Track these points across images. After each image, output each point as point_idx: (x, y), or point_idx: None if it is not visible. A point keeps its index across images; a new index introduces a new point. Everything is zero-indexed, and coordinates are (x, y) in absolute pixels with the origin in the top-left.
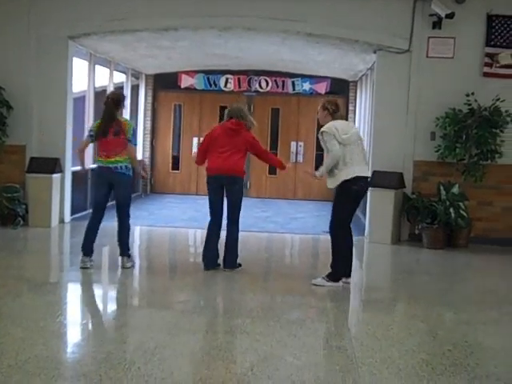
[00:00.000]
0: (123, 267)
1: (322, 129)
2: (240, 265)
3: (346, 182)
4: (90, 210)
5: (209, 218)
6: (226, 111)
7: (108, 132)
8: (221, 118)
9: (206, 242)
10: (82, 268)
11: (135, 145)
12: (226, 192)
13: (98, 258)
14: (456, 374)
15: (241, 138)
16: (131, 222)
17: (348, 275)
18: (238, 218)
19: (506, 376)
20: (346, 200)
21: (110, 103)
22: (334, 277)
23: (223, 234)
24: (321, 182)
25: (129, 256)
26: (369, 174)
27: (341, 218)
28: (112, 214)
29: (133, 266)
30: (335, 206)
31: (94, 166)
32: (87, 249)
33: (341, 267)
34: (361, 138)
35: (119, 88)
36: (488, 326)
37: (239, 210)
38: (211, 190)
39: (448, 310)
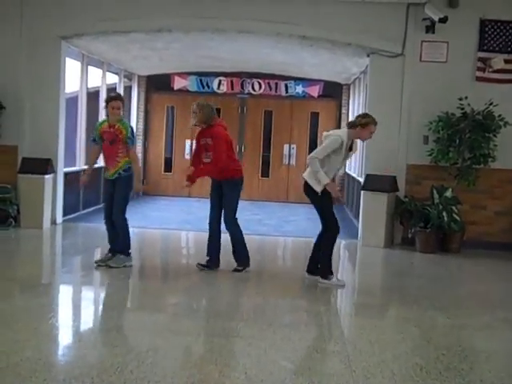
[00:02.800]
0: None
1: None
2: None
3: None
4: (83, 211)
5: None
6: (211, 109)
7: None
8: None
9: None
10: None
11: (133, 144)
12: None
13: (90, 260)
14: (450, 378)
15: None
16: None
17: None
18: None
19: (499, 381)
20: None
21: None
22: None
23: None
24: None
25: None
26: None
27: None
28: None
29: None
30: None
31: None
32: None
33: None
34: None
35: (113, 89)
36: (481, 331)
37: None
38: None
39: (441, 314)
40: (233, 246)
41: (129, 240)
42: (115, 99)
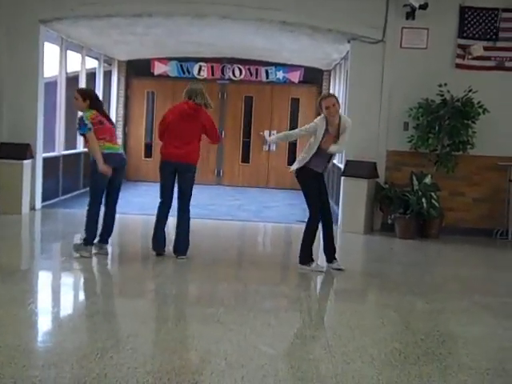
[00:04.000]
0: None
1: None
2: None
3: None
4: (63, 197)
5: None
6: (185, 91)
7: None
8: None
9: (156, 226)
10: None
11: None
12: (178, 178)
13: (70, 246)
14: (428, 363)
15: (198, 122)
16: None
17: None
18: (189, 206)
19: (477, 365)
20: None
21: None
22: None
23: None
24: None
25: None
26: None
27: None
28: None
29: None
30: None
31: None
32: None
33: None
34: None
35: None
36: (459, 316)
37: (191, 197)
38: (165, 175)
39: (420, 299)
40: (182, 236)
41: (89, 229)
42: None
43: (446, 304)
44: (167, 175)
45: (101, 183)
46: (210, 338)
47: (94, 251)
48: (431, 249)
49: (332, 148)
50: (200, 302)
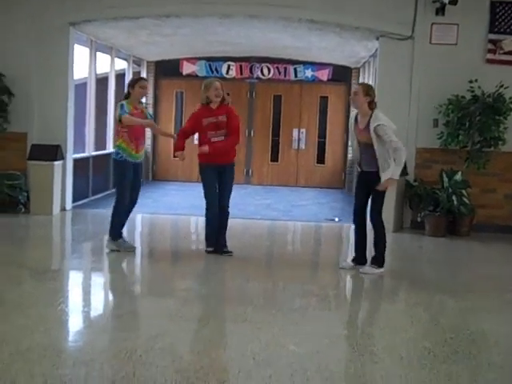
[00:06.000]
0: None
1: (381, 122)
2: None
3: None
4: (92, 198)
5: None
6: (204, 86)
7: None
8: None
9: (211, 226)
10: None
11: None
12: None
13: (100, 245)
14: (458, 361)
15: (230, 121)
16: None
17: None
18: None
19: (508, 364)
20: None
21: None
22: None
23: None
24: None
25: (112, 239)
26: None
27: (382, 206)
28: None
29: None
30: (379, 195)
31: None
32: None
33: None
34: None
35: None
36: (490, 314)
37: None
38: (210, 176)
39: (450, 297)
40: (223, 232)
41: (113, 224)
42: (143, 79)
43: (476, 302)
44: (213, 176)
45: (125, 181)
46: (239, 337)
47: (121, 245)
48: (462, 247)
49: (394, 174)
50: (229, 300)
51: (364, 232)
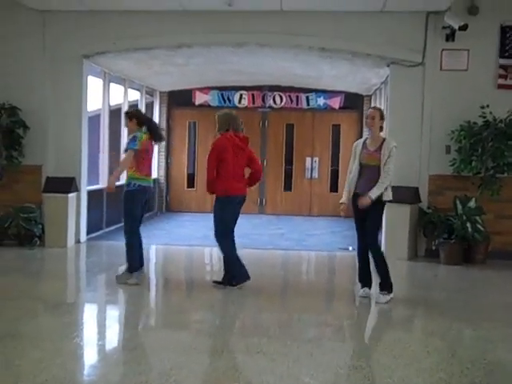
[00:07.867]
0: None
1: (395, 144)
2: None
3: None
4: (107, 229)
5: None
6: (222, 118)
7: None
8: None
9: (236, 259)
10: None
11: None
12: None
13: (114, 277)
14: None
15: (246, 153)
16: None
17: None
18: None
19: None
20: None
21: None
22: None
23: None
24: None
25: (129, 271)
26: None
27: (377, 229)
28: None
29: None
30: (372, 218)
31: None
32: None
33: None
34: None
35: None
36: (507, 343)
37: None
38: (233, 209)
39: (466, 326)
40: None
41: (131, 256)
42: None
43: (493, 332)
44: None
45: (136, 212)
46: (253, 369)
47: (138, 278)
48: (477, 274)
49: (372, 192)
50: (243, 331)
51: (366, 256)
